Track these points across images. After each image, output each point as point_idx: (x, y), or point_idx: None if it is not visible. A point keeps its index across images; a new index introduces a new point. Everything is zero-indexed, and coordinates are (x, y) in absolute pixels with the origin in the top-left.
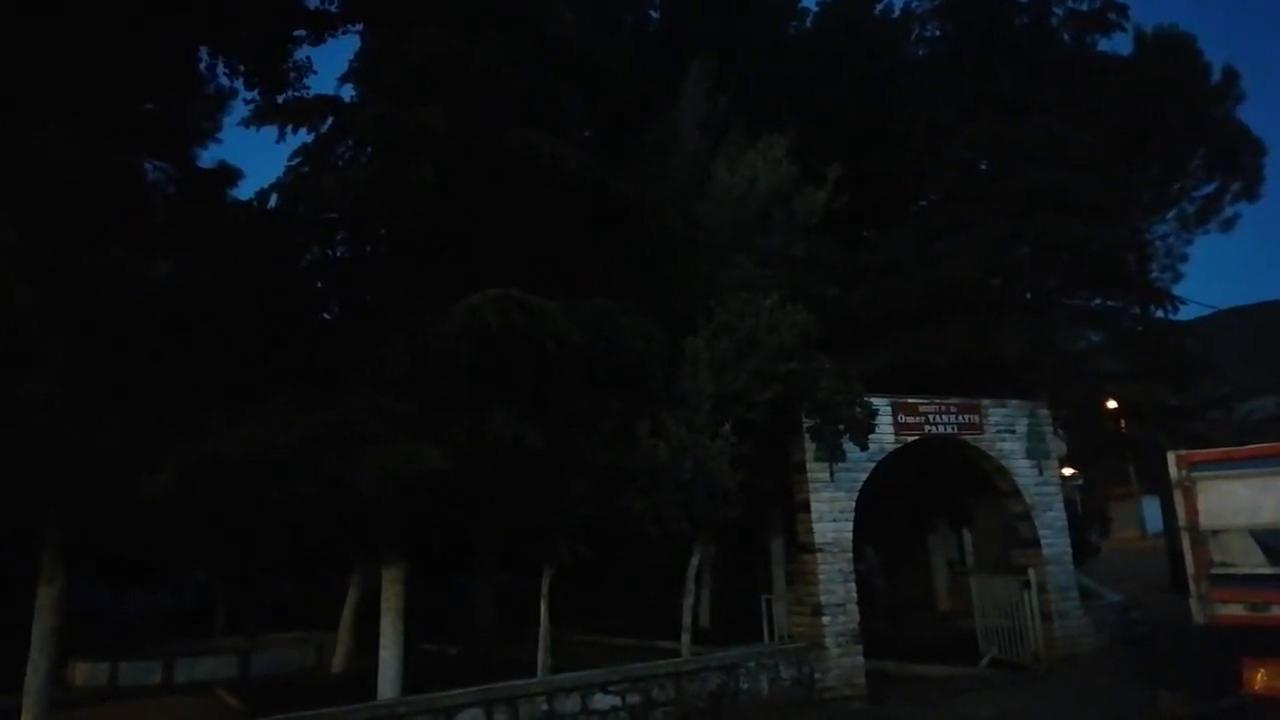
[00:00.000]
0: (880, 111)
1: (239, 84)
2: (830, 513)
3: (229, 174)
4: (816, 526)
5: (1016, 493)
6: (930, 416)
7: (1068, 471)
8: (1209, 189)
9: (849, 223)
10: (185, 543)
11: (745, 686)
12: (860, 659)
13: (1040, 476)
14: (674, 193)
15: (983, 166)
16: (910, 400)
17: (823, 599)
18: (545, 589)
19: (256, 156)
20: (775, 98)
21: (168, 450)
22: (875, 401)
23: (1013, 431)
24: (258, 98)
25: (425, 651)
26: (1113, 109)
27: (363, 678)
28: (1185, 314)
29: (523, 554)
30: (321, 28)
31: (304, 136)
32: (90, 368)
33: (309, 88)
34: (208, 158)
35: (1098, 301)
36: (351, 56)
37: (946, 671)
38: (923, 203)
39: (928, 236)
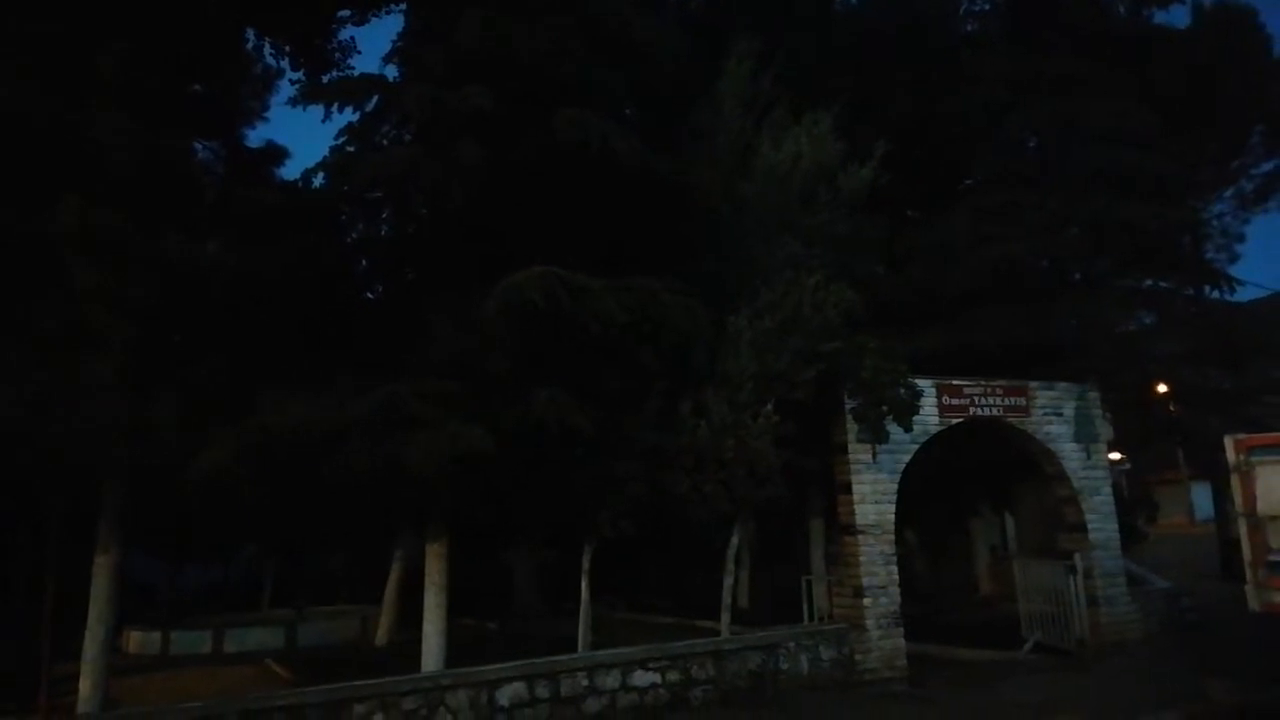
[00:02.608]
0: (929, 89)
1: (285, 64)
2: (872, 494)
3: (276, 153)
4: (858, 508)
5: (1063, 477)
6: (975, 398)
7: (1115, 456)
8: (1268, 166)
9: (896, 202)
10: (237, 518)
11: (785, 666)
12: (901, 641)
13: (1088, 460)
14: (718, 172)
15: (1032, 145)
16: (955, 382)
17: (864, 581)
18: (586, 566)
19: (300, 136)
20: (820, 75)
21: (223, 428)
22: (919, 383)
23: (1060, 414)
24: (303, 78)
25: (466, 626)
26: (1170, 84)
27: (406, 650)
28: (1242, 295)
29: (565, 531)
30: (365, 7)
31: (349, 116)
32: (149, 349)
33: (353, 68)
34: (255, 137)
35: (1150, 283)
36: (395, 37)
37: (988, 656)
38: (969, 182)
39: (976, 217)
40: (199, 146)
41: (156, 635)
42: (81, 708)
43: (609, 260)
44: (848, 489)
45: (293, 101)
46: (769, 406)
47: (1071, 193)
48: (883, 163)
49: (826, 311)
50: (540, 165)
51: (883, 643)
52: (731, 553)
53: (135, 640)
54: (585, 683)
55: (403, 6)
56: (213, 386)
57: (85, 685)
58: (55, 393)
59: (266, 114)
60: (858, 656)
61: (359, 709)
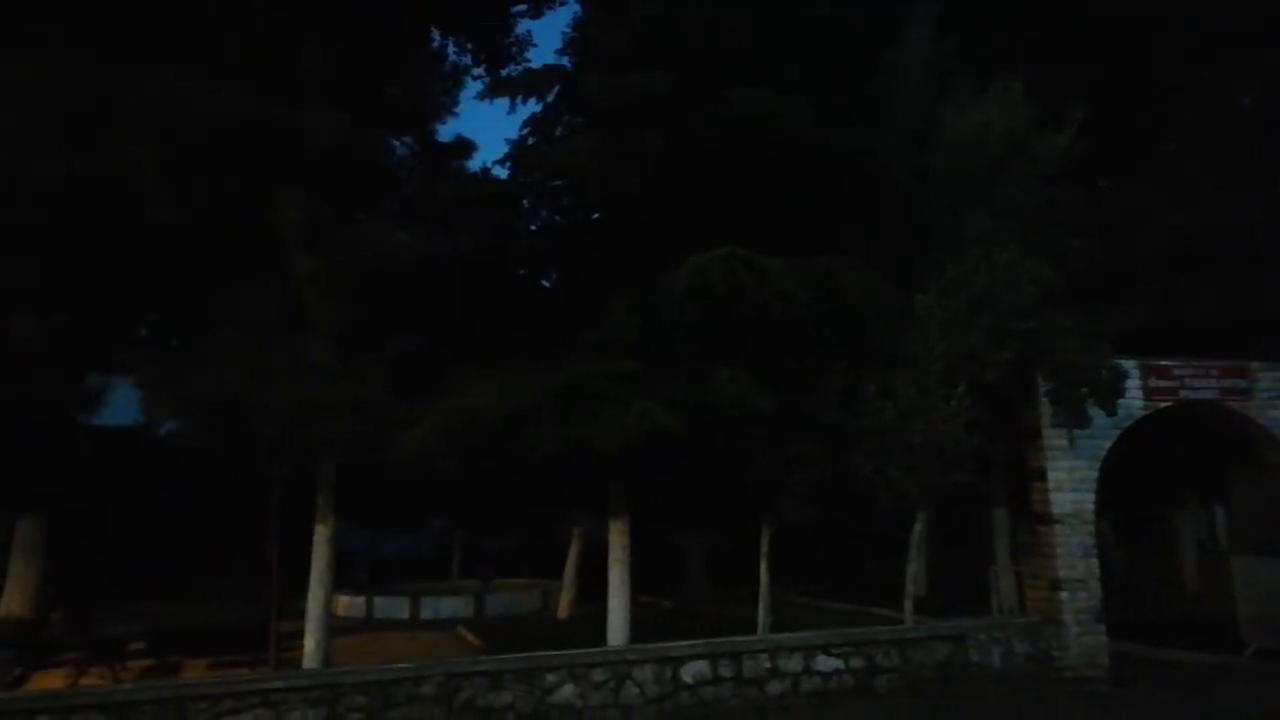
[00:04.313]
0: (1126, 43)
1: (467, 60)
2: (1069, 482)
3: (465, 146)
4: (1054, 496)
5: None
6: (1186, 380)
7: None
8: None
9: (1088, 169)
10: (429, 491)
11: (975, 659)
12: (1104, 639)
13: None
14: (897, 144)
15: (1247, 99)
16: (1163, 362)
17: (1061, 574)
18: (765, 548)
19: (471, 126)
20: (1007, 37)
21: (424, 407)
22: (1123, 363)
23: None
24: (484, 72)
25: (642, 603)
26: None
27: (587, 624)
28: None
29: (737, 512)
30: (541, 1)
31: (532, 107)
32: (355, 330)
33: (529, 60)
34: (445, 131)
35: None
36: (565, 28)
37: (1202, 659)
38: (1171, 146)
39: (1177, 180)
40: (396, 142)
41: (361, 600)
42: (306, 663)
43: (786, 238)
44: (1042, 476)
45: (481, 96)
46: (961, 388)
47: None
48: (1079, 128)
49: (1021, 288)
50: (715, 144)
51: (1082, 639)
52: (915, 539)
53: (343, 604)
54: (767, 664)
55: None
56: (411, 366)
57: (309, 643)
58: (276, 371)
59: (456, 109)
60: (1055, 653)
61: (551, 678)
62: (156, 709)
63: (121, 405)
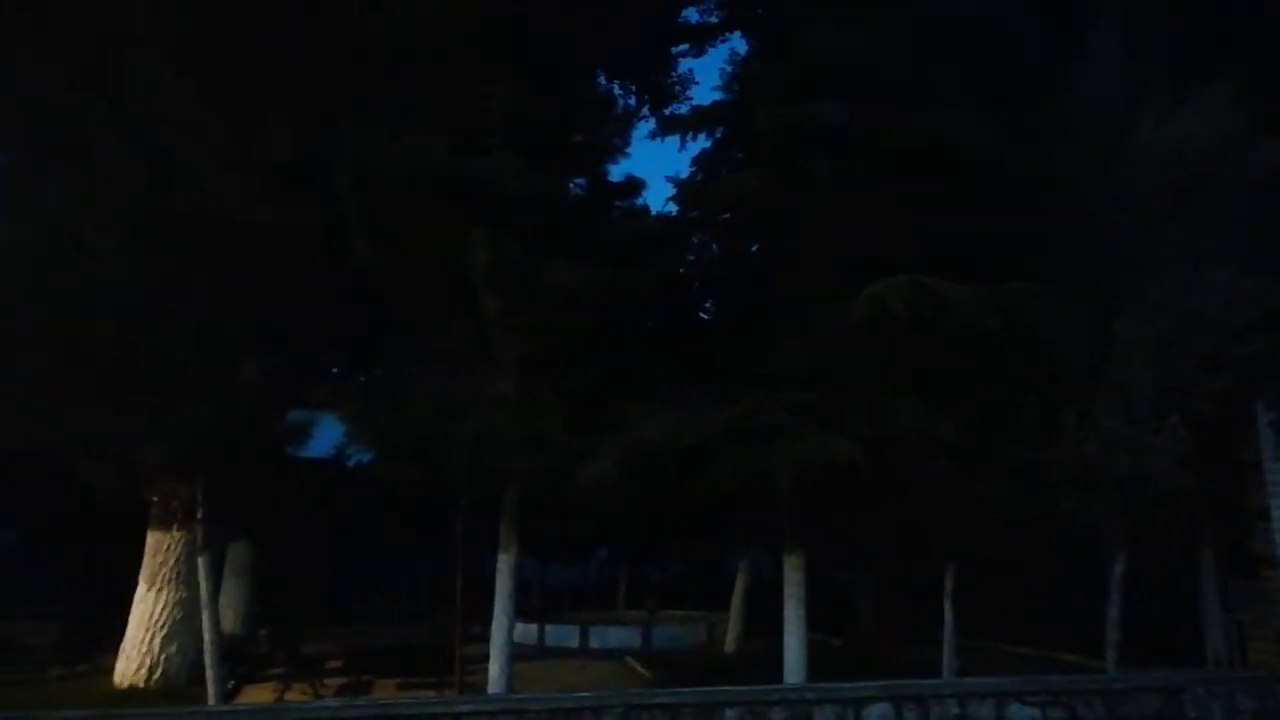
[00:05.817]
0: None
1: (631, 101)
2: None
3: (635, 185)
4: (1279, 538)
5: None
6: None
7: None
8: None
9: None
10: (602, 522)
11: (1191, 715)
12: None
13: None
14: (1085, 160)
15: None
16: None
17: None
18: (949, 587)
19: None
20: (1209, 40)
21: (603, 440)
22: None
23: None
24: (649, 113)
25: (810, 641)
26: None
27: (757, 659)
28: None
29: (913, 548)
30: (703, 39)
31: (701, 144)
32: (536, 366)
33: (690, 98)
34: (615, 171)
35: None
36: (724, 62)
37: None
38: None
39: None
40: (572, 183)
41: (534, 628)
42: (491, 687)
43: (966, 264)
44: (1264, 514)
45: (652, 135)
46: (1174, 419)
47: None
48: None
49: (1238, 310)
50: (888, 170)
51: None
52: (1116, 581)
53: (517, 631)
54: (956, 711)
55: (735, 34)
56: (588, 400)
57: (493, 668)
58: (463, 406)
59: (628, 150)
60: None
61: (729, 713)
62: None
63: (317, 439)
